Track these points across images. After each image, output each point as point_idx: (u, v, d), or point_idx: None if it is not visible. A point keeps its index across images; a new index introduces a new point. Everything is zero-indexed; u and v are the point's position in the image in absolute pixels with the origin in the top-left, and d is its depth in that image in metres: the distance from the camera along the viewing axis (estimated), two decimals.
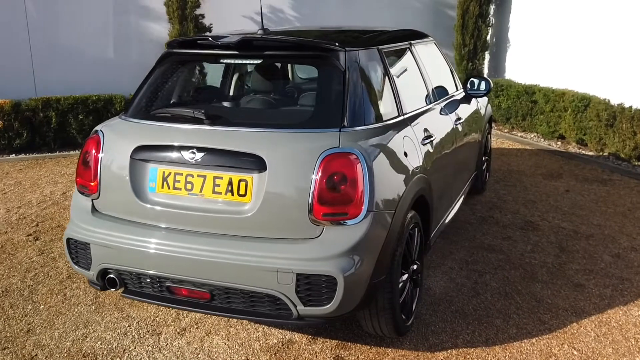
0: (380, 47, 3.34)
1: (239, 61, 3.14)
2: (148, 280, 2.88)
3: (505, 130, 8.58)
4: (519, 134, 8.31)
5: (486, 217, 4.97)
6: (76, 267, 3.07)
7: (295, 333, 3.20)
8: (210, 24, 7.98)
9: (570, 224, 4.82)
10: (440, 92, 4.23)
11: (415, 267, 3.27)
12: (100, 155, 3.02)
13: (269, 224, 2.72)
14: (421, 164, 3.23)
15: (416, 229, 3.21)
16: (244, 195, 2.74)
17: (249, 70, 3.65)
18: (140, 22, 8.06)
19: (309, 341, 3.14)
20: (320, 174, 2.64)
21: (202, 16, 7.98)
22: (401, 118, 3.24)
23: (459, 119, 4.17)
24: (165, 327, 3.26)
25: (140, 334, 3.20)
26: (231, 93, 3.25)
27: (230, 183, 2.76)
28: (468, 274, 3.91)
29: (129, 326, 3.27)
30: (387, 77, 3.28)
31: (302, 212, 2.66)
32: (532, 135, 8.16)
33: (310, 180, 2.65)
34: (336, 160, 2.66)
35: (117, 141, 3.02)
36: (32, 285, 3.78)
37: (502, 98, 8.56)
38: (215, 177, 2.79)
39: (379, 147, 2.86)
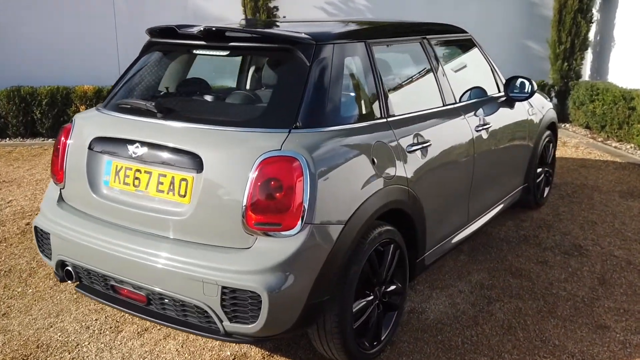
0: (370, 40, 3.00)
1: (206, 52, 2.96)
2: (96, 277, 2.80)
3: (599, 139, 7.69)
4: (613, 144, 7.40)
5: (529, 236, 4.42)
6: (42, 255, 3.06)
7: (253, 347, 2.98)
8: (284, 16, 7.89)
9: (626, 252, 4.14)
10: (467, 94, 3.79)
11: (390, 287, 2.93)
12: (67, 144, 2.99)
13: (202, 229, 2.52)
14: (401, 174, 2.86)
15: (391, 246, 2.86)
16: (184, 196, 2.57)
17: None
18: (214, 11, 8.13)
19: (264, 357, 2.91)
20: (255, 178, 2.40)
21: (276, 8, 7.91)
22: (381, 121, 2.90)
23: (484, 124, 3.70)
24: (130, 325, 3.18)
25: (102, 329, 3.14)
26: (192, 86, 3.09)
27: (172, 182, 2.60)
28: (476, 300, 3.46)
29: (95, 320, 3.23)
30: (372, 75, 2.95)
31: (236, 219, 2.43)
32: (628, 147, 7.23)
33: (245, 185, 2.41)
34: (274, 165, 2.41)
35: (82, 131, 2.97)
36: (34, 268, 3.87)
37: (597, 103, 7.67)
38: (160, 175, 2.64)
39: (334, 153, 2.56)
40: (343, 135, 2.65)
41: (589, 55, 8.78)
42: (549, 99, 5.17)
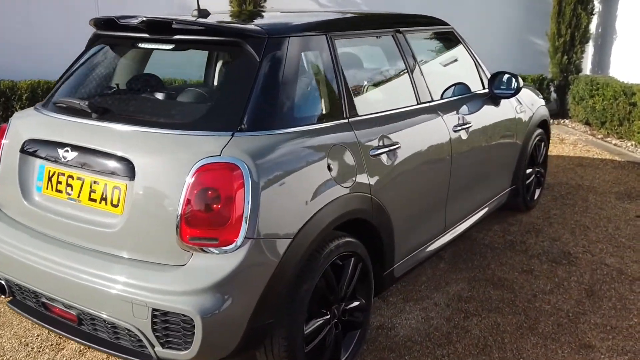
0: (333, 33, 2.74)
1: (150, 46, 2.70)
2: (28, 293, 2.56)
3: (599, 136, 7.38)
4: (614, 142, 7.10)
5: (516, 242, 4.15)
6: None
7: None
8: (271, 7, 7.61)
9: (619, 260, 3.86)
10: (448, 91, 3.52)
11: (352, 304, 2.68)
12: (2, 144, 2.75)
13: (135, 244, 2.28)
14: (363, 181, 2.60)
15: (352, 259, 2.61)
16: (116, 206, 2.32)
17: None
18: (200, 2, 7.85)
19: None
20: (190, 188, 2.14)
21: None
22: (341, 122, 2.63)
23: (464, 124, 3.43)
24: (72, 342, 2.94)
25: (42, 347, 2.91)
26: (128, 83, 2.83)
27: (105, 190, 2.35)
28: (451, 315, 3.20)
29: (37, 336, 3.00)
30: (333, 72, 2.68)
31: (170, 233, 2.18)
32: (629, 144, 6.93)
33: (180, 196, 2.16)
34: (212, 173, 2.15)
35: (17, 132, 2.72)
36: None
37: (597, 98, 7.36)
38: (92, 182, 2.39)
39: (282, 159, 2.30)
40: (295, 139, 2.39)
41: (590, 49, 8.45)
42: (540, 96, 4.88)
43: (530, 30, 8.44)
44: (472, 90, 3.81)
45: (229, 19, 2.68)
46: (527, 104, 4.41)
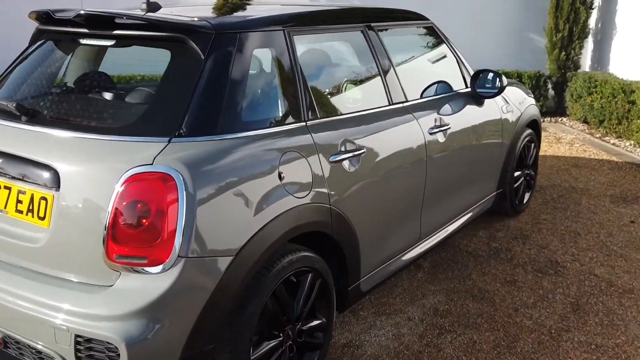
0: (292, 29, 2.51)
1: (90, 42, 2.49)
2: None
3: (597, 135, 7.13)
4: (612, 141, 6.85)
5: (501, 250, 3.92)
6: None
7: None
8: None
9: (609, 270, 3.63)
10: (426, 90, 3.30)
11: (310, 324, 2.46)
12: None
13: (60, 261, 2.07)
14: (320, 190, 2.38)
15: (309, 275, 2.39)
16: (43, 218, 2.11)
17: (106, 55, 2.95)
18: None
19: None
20: (118, 200, 1.93)
21: None
22: (297, 126, 2.42)
23: (441, 126, 3.20)
24: None
25: None
26: (69, 83, 2.61)
27: (32, 200, 2.14)
28: (425, 331, 2.98)
29: None
30: (291, 71, 2.46)
31: (97, 250, 1.97)
32: (627, 144, 6.67)
33: (107, 209, 1.95)
34: (142, 184, 1.94)
35: None
36: None
37: (595, 96, 7.11)
38: (19, 191, 2.18)
39: (225, 167, 2.09)
40: (241, 145, 2.17)
41: (589, 44, 8.19)
42: (531, 94, 4.65)
43: (528, 25, 8.18)
44: (454, 89, 3.59)
45: (181, 13, 2.47)
46: (515, 103, 4.18)
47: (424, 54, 3.62)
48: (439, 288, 3.41)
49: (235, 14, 2.57)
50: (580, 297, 3.32)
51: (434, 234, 3.37)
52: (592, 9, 7.73)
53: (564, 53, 7.69)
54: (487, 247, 3.98)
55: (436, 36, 3.60)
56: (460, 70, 3.71)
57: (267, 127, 2.31)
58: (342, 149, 2.53)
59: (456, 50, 3.71)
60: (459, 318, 3.10)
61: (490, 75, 3.57)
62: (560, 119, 7.95)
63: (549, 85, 8.01)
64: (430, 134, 3.11)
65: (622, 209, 4.66)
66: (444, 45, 3.64)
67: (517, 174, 4.34)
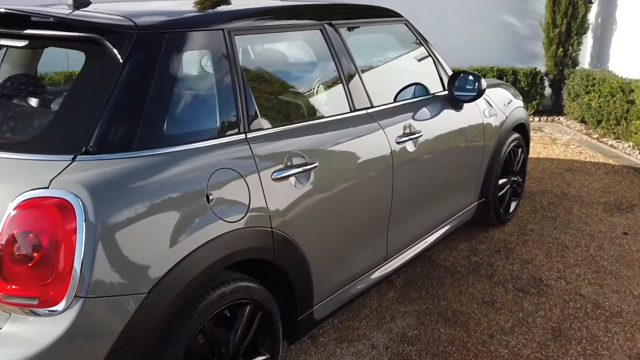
0: (233, 27, 2.23)
1: (2, 43, 2.22)
2: None
3: (595, 136, 6.82)
4: (610, 142, 6.54)
5: (482, 265, 3.64)
6: None
7: None
8: None
9: (596, 289, 3.35)
10: (399, 94, 3.02)
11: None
12: None
13: None
14: (259, 211, 2.11)
15: (247, 308, 2.12)
16: None
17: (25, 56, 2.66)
18: None
19: None
20: (6, 230, 1.66)
21: None
22: (234, 139, 2.14)
23: (412, 134, 2.92)
24: None
25: None
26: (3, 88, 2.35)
27: None
28: None
29: None
30: (230, 76, 2.18)
31: None
32: (626, 146, 6.36)
33: None
34: (34, 211, 1.67)
35: None
36: None
37: (593, 95, 6.79)
38: None
39: (140, 190, 1.81)
40: (161, 163, 1.90)
41: (588, 40, 7.86)
42: (519, 96, 4.35)
43: (525, 20, 7.86)
44: (430, 92, 3.31)
45: (108, 10, 2.19)
46: (500, 106, 3.89)
47: (396, 54, 3.34)
48: (409, 309, 3.14)
49: (166, 11, 2.28)
50: (562, 322, 3.04)
51: (405, 251, 3.09)
52: (592, 3, 7.40)
53: (561, 49, 7.37)
54: (467, 261, 3.70)
55: (410, 35, 3.31)
56: (438, 72, 3.42)
57: (196, 141, 2.03)
58: (289, 163, 2.25)
59: (433, 51, 3.42)
60: (427, 345, 2.83)
61: (469, 77, 3.28)
62: (557, 118, 7.64)
63: (546, 83, 7.69)
64: (398, 142, 2.83)
65: (616, 219, 4.37)
66: (419, 44, 3.35)
67: (502, 181, 4.06)
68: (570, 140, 6.64)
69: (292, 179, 2.25)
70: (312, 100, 2.66)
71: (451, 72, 3.45)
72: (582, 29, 7.35)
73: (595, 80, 6.75)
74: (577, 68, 7.57)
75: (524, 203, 4.65)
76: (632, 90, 6.13)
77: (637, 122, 6.04)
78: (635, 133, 6.10)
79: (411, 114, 3.01)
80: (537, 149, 6.32)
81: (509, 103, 4.05)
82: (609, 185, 5.10)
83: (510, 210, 4.27)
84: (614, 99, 6.40)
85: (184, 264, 1.85)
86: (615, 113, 6.42)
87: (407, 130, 2.91)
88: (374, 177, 2.68)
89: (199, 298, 1.93)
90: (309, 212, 2.33)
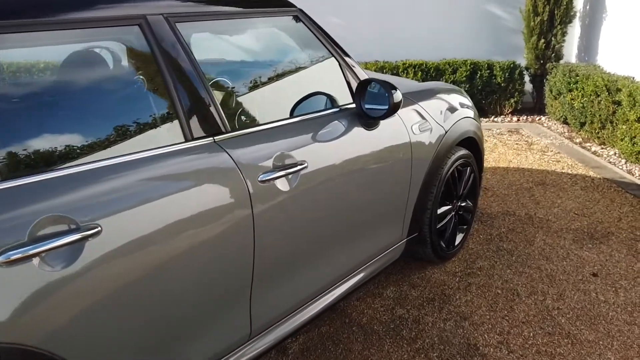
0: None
1: None
2: None
3: (577, 140, 6.03)
4: (594, 148, 5.75)
5: (406, 322, 2.88)
6: None
7: None
8: None
9: None
10: (270, 112, 2.24)
11: None
12: None
13: None
14: None
15: None
16: None
17: None
18: None
19: None
20: None
21: None
22: None
23: (289, 167, 2.14)
24: None
25: None
26: None
27: None
28: None
29: None
30: None
31: None
32: (611, 153, 5.57)
33: None
34: None
35: None
36: None
37: (575, 93, 5.99)
38: None
39: None
40: None
41: (576, 30, 7.03)
42: (468, 103, 3.56)
43: (506, 8, 7.03)
44: (334, 105, 2.53)
45: None
46: (437, 119, 3.10)
47: (282, 58, 2.55)
48: None
49: None
50: None
51: (284, 321, 2.32)
52: None
53: (543, 40, 6.54)
54: (390, 315, 2.94)
55: (305, 30, 2.52)
56: (346, 79, 2.63)
57: None
58: (74, 227, 1.48)
59: (340, 52, 2.62)
60: None
61: (380, 86, 2.49)
62: (538, 118, 6.85)
63: (526, 79, 6.89)
64: (262, 181, 2.05)
65: (586, 252, 3.59)
66: (319, 43, 2.55)
67: (443, 210, 3.29)
68: (548, 146, 5.85)
69: (50, 258, 1.48)
70: (108, 132, 1.84)
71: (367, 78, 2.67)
72: (567, 18, 6.52)
73: (578, 77, 5.94)
74: (561, 62, 6.75)
75: (477, 230, 3.88)
76: (618, 90, 5.33)
77: (624, 126, 5.24)
78: (622, 139, 5.30)
79: (292, 138, 2.23)
80: (509, 156, 5.54)
81: (453, 114, 3.27)
82: (585, 205, 4.32)
83: (456, 243, 3.50)
84: (599, 98, 5.60)
85: None
86: (600, 115, 5.62)
87: (281, 162, 2.13)
88: (216, 235, 1.91)
89: None
90: (72, 304, 1.56)
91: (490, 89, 6.77)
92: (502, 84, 6.65)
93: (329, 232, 2.43)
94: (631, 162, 5.22)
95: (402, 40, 6.95)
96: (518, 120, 6.84)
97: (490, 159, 5.43)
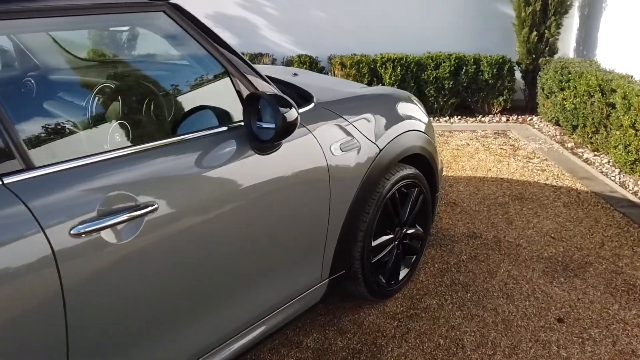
0: None
1: None
2: None
3: (569, 145, 5.45)
4: (585, 155, 5.17)
5: None
6: None
7: None
8: None
9: None
10: (116, 139, 1.75)
11: None
12: None
13: None
14: None
15: None
16: None
17: None
18: None
19: None
20: None
21: None
22: None
23: (124, 210, 1.64)
24: None
25: None
26: None
27: None
28: None
29: None
30: None
31: None
32: (604, 161, 4.99)
33: None
34: None
35: None
36: None
37: (567, 92, 5.40)
38: None
39: None
40: None
41: (574, 21, 6.42)
42: (418, 112, 3.03)
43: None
44: (212, 125, 2.02)
45: None
46: (368, 134, 2.58)
47: (145, 64, 2.03)
48: None
49: None
50: None
51: None
52: None
53: (535, 33, 5.94)
54: None
55: (178, 29, 1.99)
56: (237, 91, 2.11)
57: None
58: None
59: (228, 55, 2.10)
60: None
61: (269, 102, 1.97)
62: (529, 119, 6.28)
63: (517, 75, 6.30)
64: (76, 235, 1.54)
65: (556, 289, 3.05)
66: (198, 46, 2.03)
67: (381, 240, 2.77)
68: (535, 151, 5.28)
69: None
70: None
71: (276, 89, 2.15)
72: (563, 8, 5.91)
73: (570, 75, 5.35)
74: (555, 56, 6.15)
75: (433, 257, 3.35)
76: (613, 91, 4.73)
77: (618, 133, 4.65)
78: (615, 147, 4.72)
79: (137, 172, 1.72)
80: (489, 163, 4.98)
81: (392, 127, 2.74)
82: (564, 227, 3.77)
83: (400, 278, 2.98)
84: (592, 99, 5.01)
85: None
86: (593, 118, 5.04)
87: (113, 206, 1.62)
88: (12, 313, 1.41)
89: None
90: None
91: (477, 85, 6.20)
92: (490, 81, 6.07)
93: (195, 286, 1.92)
94: (625, 172, 4.64)
95: (382, 31, 6.38)
96: (507, 120, 6.27)
97: (467, 167, 4.88)
